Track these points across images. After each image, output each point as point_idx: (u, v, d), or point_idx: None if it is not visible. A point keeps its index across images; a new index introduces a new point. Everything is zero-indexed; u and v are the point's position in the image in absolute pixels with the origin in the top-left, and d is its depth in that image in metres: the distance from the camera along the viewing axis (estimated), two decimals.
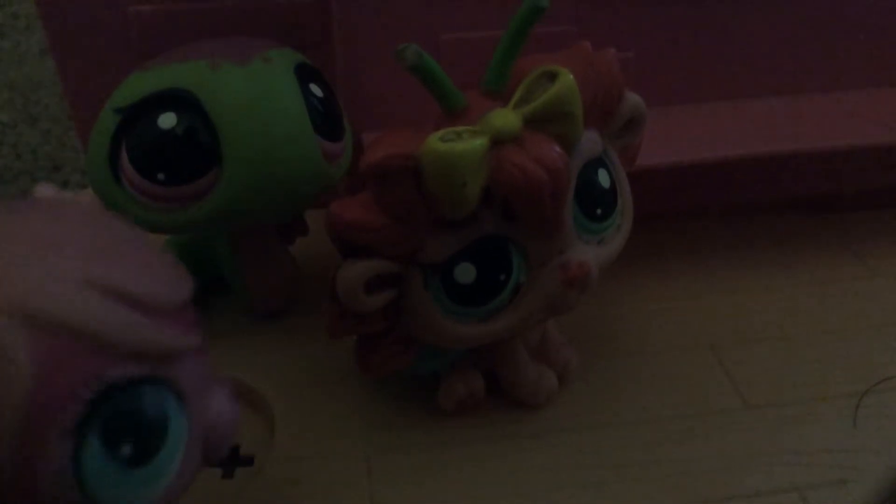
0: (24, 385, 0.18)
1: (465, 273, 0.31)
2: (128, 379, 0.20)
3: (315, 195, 0.37)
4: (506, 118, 0.29)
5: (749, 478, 0.34)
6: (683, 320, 0.42)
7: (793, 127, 0.44)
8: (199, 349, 0.23)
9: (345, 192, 0.40)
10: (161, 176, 0.33)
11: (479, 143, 0.28)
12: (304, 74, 0.36)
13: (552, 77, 0.29)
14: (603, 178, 0.33)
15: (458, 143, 0.28)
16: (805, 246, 0.48)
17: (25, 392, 0.18)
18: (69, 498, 0.20)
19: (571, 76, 0.29)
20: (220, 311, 0.43)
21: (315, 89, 0.36)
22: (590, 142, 0.32)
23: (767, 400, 0.37)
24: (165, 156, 0.33)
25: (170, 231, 0.37)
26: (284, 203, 0.36)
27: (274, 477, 0.34)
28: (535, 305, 0.32)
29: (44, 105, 0.66)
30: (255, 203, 0.35)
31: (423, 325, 0.32)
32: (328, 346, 0.40)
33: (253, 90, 0.33)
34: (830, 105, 0.46)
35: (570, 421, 0.36)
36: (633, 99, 0.33)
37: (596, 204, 0.32)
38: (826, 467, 0.34)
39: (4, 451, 0.18)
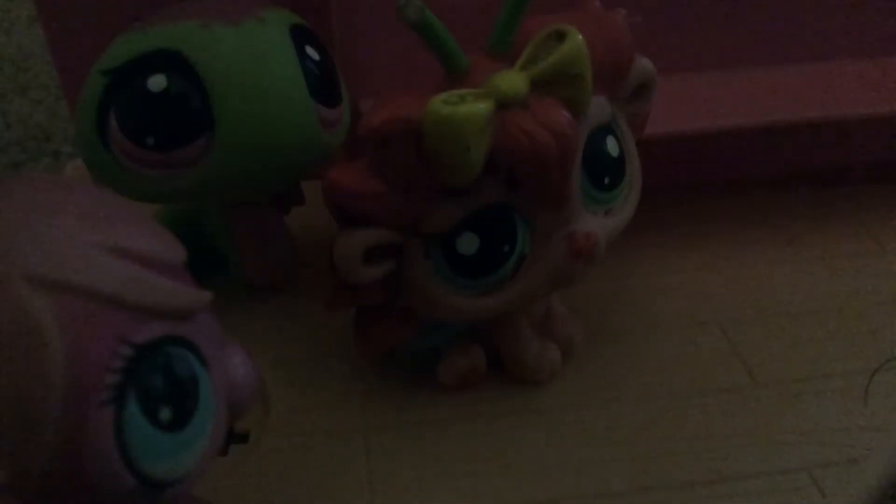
0: (58, 357, 0.18)
1: (468, 243, 0.29)
2: (154, 340, 0.20)
3: (311, 163, 0.35)
4: (512, 80, 0.28)
5: (757, 456, 0.33)
6: (690, 296, 0.41)
7: (801, 95, 0.43)
8: (209, 309, 0.23)
9: (342, 160, 0.39)
10: (150, 140, 0.32)
11: (484, 105, 0.27)
12: (300, 36, 0.34)
13: (560, 37, 0.28)
14: (611, 145, 0.31)
15: (462, 106, 0.26)
16: (813, 221, 0.46)
17: (61, 365, 0.18)
18: (114, 468, 0.19)
19: (580, 36, 0.28)
20: (213, 285, 0.42)
21: (311, 52, 0.35)
22: (598, 107, 0.31)
23: (776, 377, 0.36)
24: (155, 119, 0.32)
25: (161, 200, 0.35)
26: (279, 171, 0.34)
27: (270, 454, 0.33)
28: (539, 278, 0.31)
29: (33, 74, 0.65)
30: (249, 170, 0.33)
31: (424, 297, 0.31)
32: (325, 321, 0.39)
33: (245, 51, 0.32)
34: (840, 73, 0.45)
35: (575, 397, 0.35)
36: (643, 63, 0.32)
37: (604, 173, 0.31)
38: (836, 446, 0.33)
39: (50, 428, 0.18)
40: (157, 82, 0.31)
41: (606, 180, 0.31)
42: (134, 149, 0.32)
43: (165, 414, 0.20)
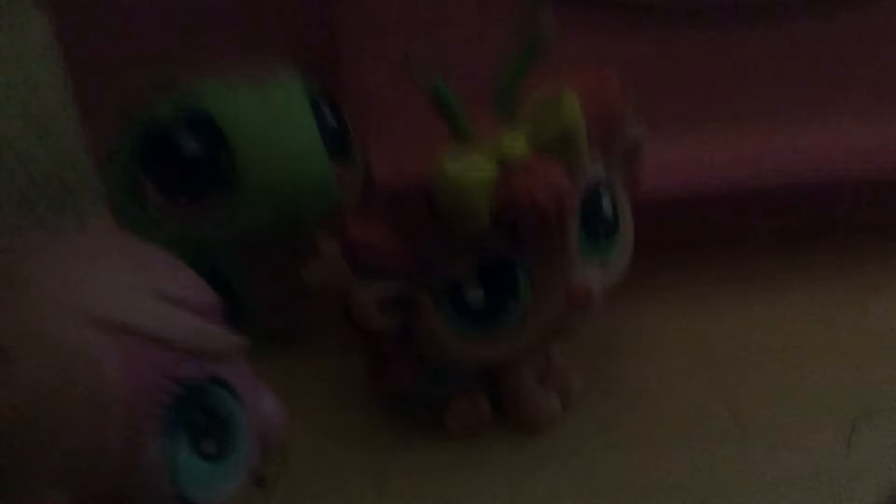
0: (116, 392, 0.20)
1: (475, 295, 0.31)
2: (199, 379, 0.22)
3: (326, 216, 0.38)
4: (513, 143, 0.30)
5: (744, 502, 0.34)
6: (682, 347, 0.43)
7: (791, 154, 0.45)
8: (242, 351, 0.25)
9: (353, 214, 0.41)
10: (182, 197, 0.35)
11: (489, 168, 0.29)
12: (317, 99, 0.37)
13: (557, 104, 0.31)
14: (605, 202, 0.34)
15: (470, 171, 0.29)
16: (801, 271, 0.48)
17: (119, 399, 0.20)
18: (164, 493, 0.21)
19: (577, 105, 0.30)
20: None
21: (328, 113, 0.37)
22: (592, 167, 0.33)
23: (764, 424, 0.38)
24: (186, 177, 0.35)
25: (186, 248, 0.38)
26: (297, 224, 0.37)
27: (284, 497, 0.34)
28: (542, 327, 0.33)
29: (57, 133, 0.67)
30: (268, 223, 0.36)
31: (435, 344, 0.33)
32: (338, 367, 0.41)
33: (269, 113, 0.35)
34: (829, 133, 0.47)
35: (573, 445, 0.37)
36: (632, 129, 0.35)
37: (599, 227, 0.33)
38: (820, 491, 0.35)
39: (110, 455, 0.20)
40: (188, 142, 0.34)
41: (602, 233, 0.33)
42: (165, 203, 0.35)
43: (209, 446, 0.22)
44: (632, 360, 0.42)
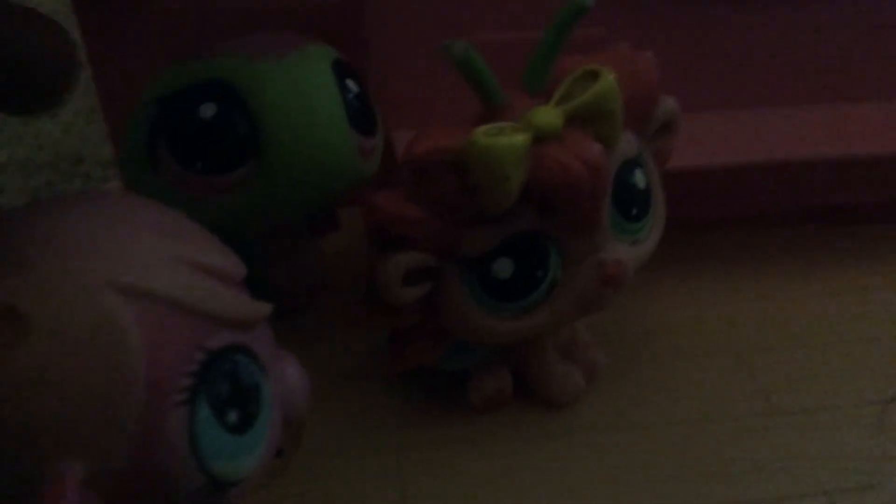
0: (140, 359, 0.19)
1: (503, 268, 0.31)
2: (224, 347, 0.21)
3: (348, 189, 0.37)
4: (547, 115, 0.29)
5: (776, 482, 0.34)
6: (709, 327, 0.42)
7: (820, 134, 0.44)
8: (266, 320, 0.24)
9: (377, 186, 0.41)
10: (199, 164, 0.34)
11: (522, 138, 0.28)
12: (341, 70, 0.36)
13: (594, 76, 0.30)
14: (639, 178, 0.33)
15: (502, 138, 0.28)
16: (825, 256, 0.48)
17: (142, 366, 0.19)
18: (186, 465, 0.20)
19: (613, 76, 0.29)
20: None
21: (351, 84, 0.36)
22: (626, 142, 0.32)
23: (793, 405, 0.38)
24: (205, 144, 0.34)
25: (203, 223, 0.37)
26: (319, 197, 0.36)
27: (303, 471, 0.34)
28: (569, 302, 0.32)
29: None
30: (290, 197, 0.35)
31: (458, 319, 0.32)
32: (354, 343, 0.40)
33: (291, 84, 0.34)
34: (857, 114, 0.46)
35: (597, 421, 0.37)
36: (668, 102, 0.34)
37: (632, 204, 0.33)
38: (853, 472, 0.34)
39: (130, 425, 0.19)
40: (207, 110, 0.33)
41: (634, 211, 0.33)
42: (182, 172, 0.34)
43: (232, 417, 0.21)
44: (657, 338, 0.42)
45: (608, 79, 0.29)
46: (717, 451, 0.35)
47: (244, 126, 0.34)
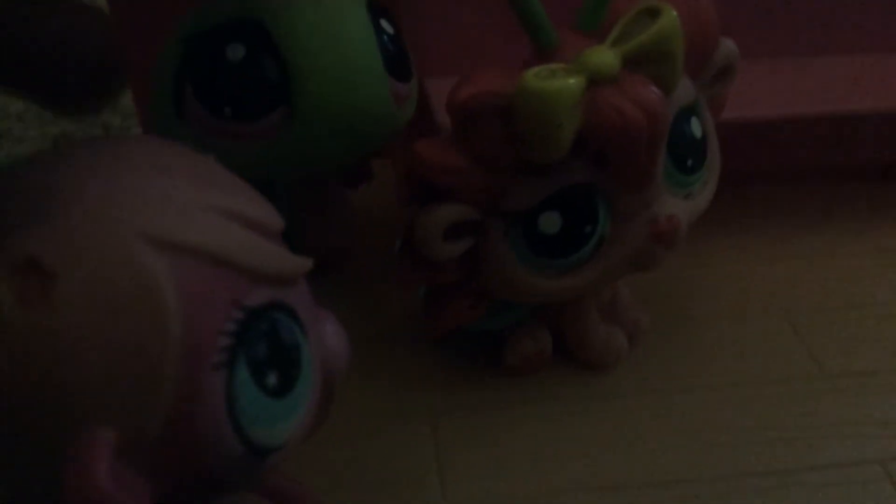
0: (175, 318, 0.18)
1: (550, 223, 0.29)
2: (264, 305, 0.19)
3: (382, 138, 0.35)
4: (603, 56, 0.27)
5: (828, 448, 0.32)
6: (757, 286, 0.40)
7: (879, 86, 0.42)
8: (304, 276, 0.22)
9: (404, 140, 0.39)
10: (227, 110, 0.32)
11: (576, 81, 0.26)
12: (376, 10, 0.34)
13: (653, 14, 0.28)
14: (695, 127, 0.31)
15: (555, 81, 0.26)
16: (875, 212, 0.46)
17: (178, 325, 0.18)
18: (223, 432, 0.19)
19: (675, 13, 0.27)
20: None
21: (386, 26, 0.34)
22: (683, 88, 0.30)
23: (845, 369, 0.36)
24: (233, 89, 0.32)
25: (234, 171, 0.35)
26: (353, 145, 0.34)
27: (333, 435, 0.32)
28: (618, 260, 0.30)
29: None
30: (325, 145, 0.33)
31: (500, 276, 0.30)
32: (387, 301, 0.39)
33: (325, 24, 0.32)
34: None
35: (640, 384, 0.35)
36: (727, 45, 0.32)
37: (687, 155, 0.31)
38: None
39: (166, 387, 0.18)
40: (235, 51, 0.31)
41: (689, 163, 0.31)
42: (209, 118, 0.32)
43: (272, 380, 0.20)
44: (702, 299, 0.40)
45: (671, 16, 0.27)
46: (765, 416, 0.34)
47: (275, 70, 0.31)
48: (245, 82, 0.32)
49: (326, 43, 0.32)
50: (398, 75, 0.35)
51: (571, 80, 0.26)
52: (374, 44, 0.33)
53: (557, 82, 0.26)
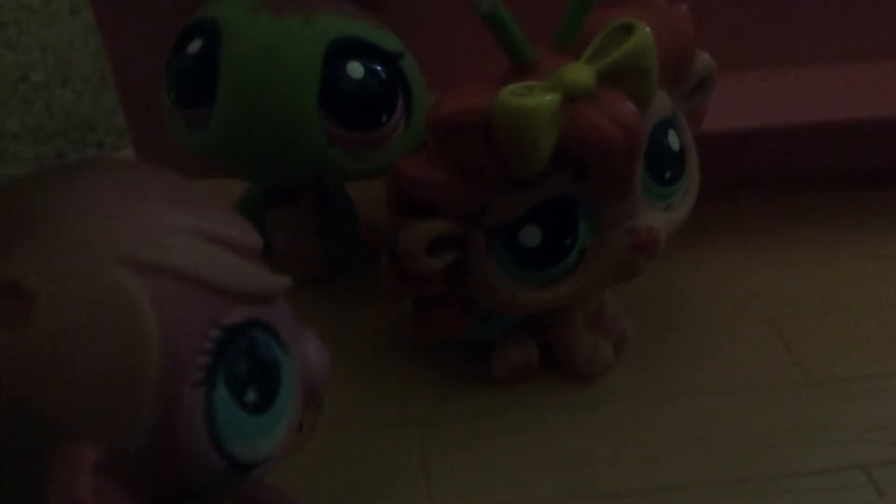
0: (154, 338, 0.18)
1: (531, 236, 0.29)
2: (241, 323, 0.20)
3: (318, 172, 0.36)
4: (579, 73, 0.28)
5: (811, 454, 0.33)
6: (741, 293, 0.41)
7: (854, 95, 0.42)
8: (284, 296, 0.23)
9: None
10: (173, 95, 0.35)
11: (551, 98, 0.27)
12: (347, 51, 0.33)
13: (628, 30, 0.28)
14: (672, 140, 0.31)
15: (531, 98, 0.26)
16: (860, 220, 0.46)
17: (157, 345, 0.18)
18: (203, 448, 0.19)
19: (649, 29, 0.28)
20: None
21: (354, 69, 0.33)
22: (660, 102, 0.30)
23: (828, 375, 0.36)
24: (179, 78, 0.35)
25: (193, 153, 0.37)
26: (273, 164, 0.35)
27: (323, 444, 0.33)
28: (600, 271, 0.31)
29: (76, 65, 0.65)
30: (238, 152, 0.35)
31: (485, 288, 0.31)
32: (377, 312, 0.39)
33: (268, 43, 0.33)
34: (892, 74, 0.44)
35: (627, 393, 0.35)
36: (704, 58, 0.32)
37: (665, 167, 0.31)
38: (891, 445, 0.33)
39: (146, 406, 0.18)
40: (194, 45, 0.34)
41: (668, 174, 0.31)
42: (169, 105, 0.35)
43: (251, 396, 0.20)
44: (688, 307, 0.40)
45: (644, 32, 0.28)
46: (750, 422, 0.34)
47: (210, 68, 0.33)
48: (188, 74, 0.34)
49: (257, 62, 0.32)
50: (344, 121, 0.34)
51: (547, 98, 0.27)
52: (312, 80, 0.33)
53: (533, 100, 0.26)
